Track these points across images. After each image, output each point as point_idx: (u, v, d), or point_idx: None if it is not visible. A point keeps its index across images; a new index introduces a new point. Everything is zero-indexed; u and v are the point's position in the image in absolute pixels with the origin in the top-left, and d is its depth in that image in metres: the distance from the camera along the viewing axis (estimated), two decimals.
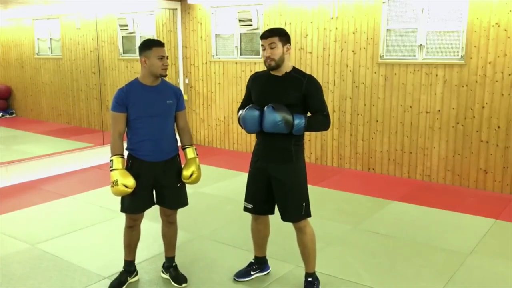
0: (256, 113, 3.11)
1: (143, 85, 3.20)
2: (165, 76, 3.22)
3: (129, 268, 3.49)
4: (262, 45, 3.14)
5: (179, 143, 3.40)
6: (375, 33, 6.24)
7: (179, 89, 3.41)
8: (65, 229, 4.58)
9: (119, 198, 3.28)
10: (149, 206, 3.36)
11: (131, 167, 3.23)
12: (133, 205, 3.27)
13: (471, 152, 5.80)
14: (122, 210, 3.32)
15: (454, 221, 4.78)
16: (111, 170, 3.11)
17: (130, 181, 3.08)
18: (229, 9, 7.55)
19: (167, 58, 3.19)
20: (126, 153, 3.25)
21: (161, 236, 3.56)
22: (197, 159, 3.38)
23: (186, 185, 3.43)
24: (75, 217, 4.92)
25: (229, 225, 4.67)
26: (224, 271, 3.70)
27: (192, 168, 3.31)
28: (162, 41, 3.25)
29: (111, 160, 3.13)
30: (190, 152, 3.37)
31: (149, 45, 3.16)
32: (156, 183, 3.27)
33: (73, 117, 9.82)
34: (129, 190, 3.09)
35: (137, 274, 3.55)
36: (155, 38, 8.36)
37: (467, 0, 5.57)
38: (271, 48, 3.09)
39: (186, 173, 3.30)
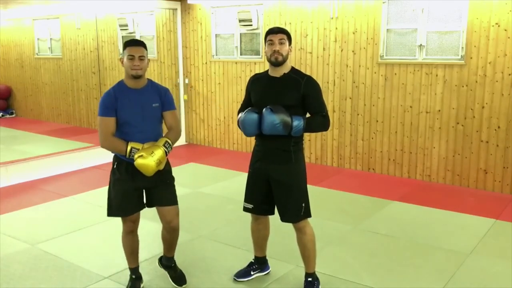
0: (255, 116, 3.10)
1: (128, 88, 3.09)
2: (138, 76, 3.04)
3: (137, 274, 3.42)
4: (270, 39, 3.11)
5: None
6: (375, 33, 6.24)
7: (164, 89, 3.24)
8: (65, 229, 4.57)
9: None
10: (140, 209, 3.27)
11: (117, 170, 3.15)
12: (122, 208, 3.19)
13: (471, 152, 5.80)
14: (110, 214, 3.23)
15: (454, 221, 4.78)
16: (139, 156, 2.94)
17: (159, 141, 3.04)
18: (229, 9, 7.55)
19: (141, 59, 3.01)
20: (112, 155, 3.18)
21: (161, 239, 3.47)
22: (161, 148, 3.02)
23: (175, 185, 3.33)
24: (75, 217, 4.92)
25: (229, 225, 4.67)
26: (224, 271, 3.70)
27: (148, 149, 3.00)
28: (141, 41, 3.13)
29: (130, 149, 2.97)
30: (161, 140, 3.10)
31: (125, 45, 3.08)
32: (145, 184, 3.19)
33: (73, 117, 9.82)
34: (163, 148, 3.02)
35: (142, 281, 3.48)
36: (156, 38, 8.38)
37: (467, 0, 5.57)
38: (280, 44, 3.09)
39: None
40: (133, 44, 3.07)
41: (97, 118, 3.08)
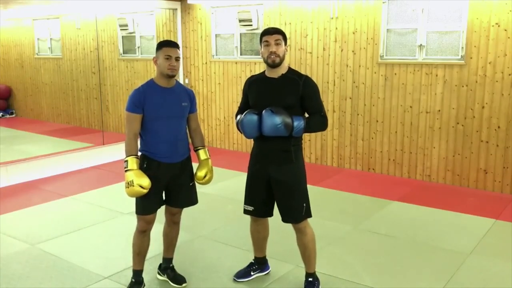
0: (255, 117, 3.10)
1: (158, 86, 3.19)
2: (173, 76, 3.18)
3: (138, 279, 3.38)
4: (265, 41, 3.10)
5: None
6: (375, 33, 6.24)
7: (192, 92, 3.40)
8: (65, 229, 4.57)
9: (122, 199, 3.26)
10: (159, 207, 3.34)
11: (148, 168, 3.18)
12: (149, 206, 3.24)
13: (471, 152, 5.80)
14: (138, 212, 3.26)
15: (454, 221, 4.78)
16: (126, 171, 3.08)
17: (146, 182, 3.06)
18: (229, 9, 7.55)
19: (177, 59, 3.14)
20: (139, 154, 3.23)
21: (162, 235, 3.53)
22: (209, 160, 3.42)
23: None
24: (75, 217, 4.92)
25: (229, 225, 4.67)
26: (224, 271, 3.70)
27: (205, 169, 3.37)
28: (175, 42, 3.25)
29: (126, 161, 3.10)
30: (203, 154, 3.41)
31: (160, 45, 3.18)
32: (171, 183, 3.28)
33: (73, 117, 9.82)
34: (145, 191, 3.06)
35: (144, 286, 3.41)
36: (156, 38, 8.38)
37: (467, 0, 5.57)
38: (277, 45, 3.08)
39: (200, 174, 3.35)
40: (169, 45, 3.19)
41: (124, 112, 3.24)
